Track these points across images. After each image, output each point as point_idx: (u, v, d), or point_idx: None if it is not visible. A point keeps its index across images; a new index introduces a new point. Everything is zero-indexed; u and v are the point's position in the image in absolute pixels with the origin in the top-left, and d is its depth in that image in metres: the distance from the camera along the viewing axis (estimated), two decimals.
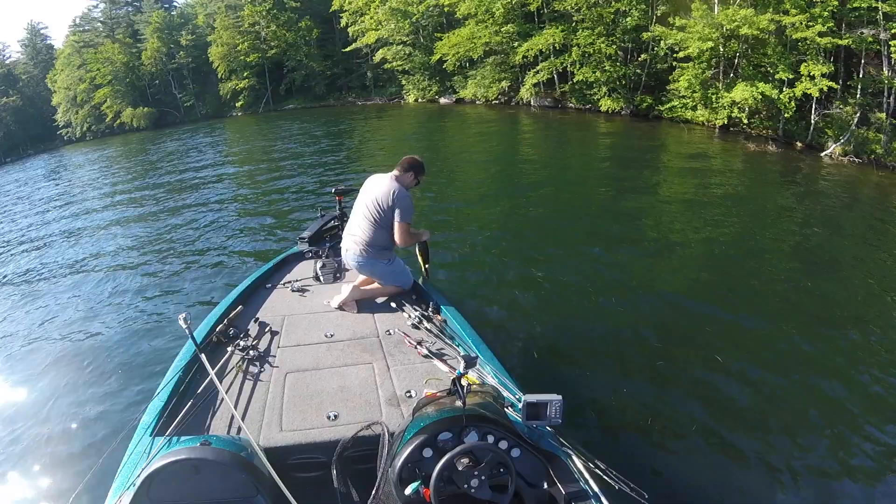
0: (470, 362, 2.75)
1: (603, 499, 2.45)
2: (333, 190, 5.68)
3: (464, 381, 2.72)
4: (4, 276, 10.14)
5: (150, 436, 3.11)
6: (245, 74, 43.65)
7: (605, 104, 21.89)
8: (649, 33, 19.02)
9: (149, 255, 9.88)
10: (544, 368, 5.22)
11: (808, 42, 14.08)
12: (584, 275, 7.21)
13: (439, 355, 3.72)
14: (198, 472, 2.56)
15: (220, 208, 12.97)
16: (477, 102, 29.42)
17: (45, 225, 14.76)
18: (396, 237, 4.38)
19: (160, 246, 10.35)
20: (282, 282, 5.12)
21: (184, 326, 3.33)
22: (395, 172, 4.41)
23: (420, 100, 34.07)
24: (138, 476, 2.57)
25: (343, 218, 5.34)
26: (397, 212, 4.28)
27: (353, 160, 18.20)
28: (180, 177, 18.62)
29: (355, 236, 4.52)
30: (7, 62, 58.58)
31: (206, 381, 3.52)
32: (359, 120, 30.10)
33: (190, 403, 3.31)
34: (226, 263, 8.82)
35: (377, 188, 4.37)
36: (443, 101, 32.29)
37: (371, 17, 34.28)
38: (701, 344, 5.50)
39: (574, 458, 2.68)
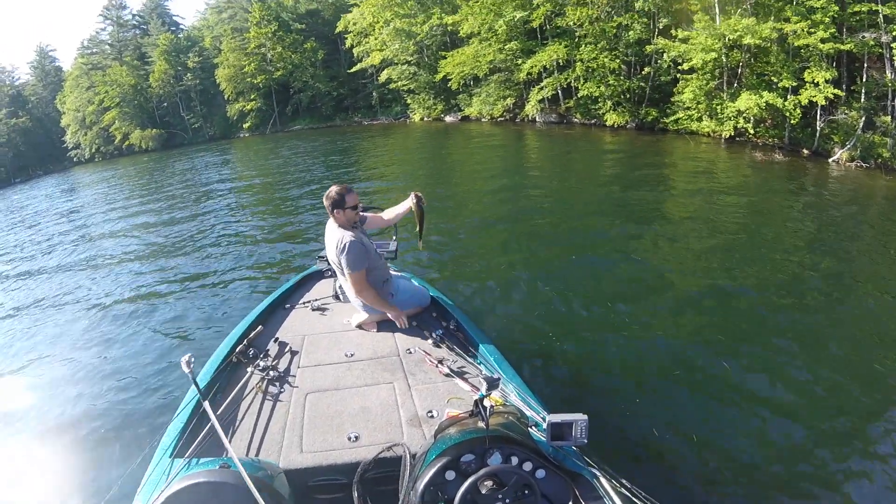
0: (492, 384, 2.72)
1: None
2: None
3: (487, 402, 2.69)
4: (22, 294, 10.30)
5: (170, 457, 3.09)
6: (252, 96, 44.60)
7: (611, 118, 22.03)
8: (652, 46, 19.18)
9: (166, 275, 9.97)
10: (567, 387, 5.21)
11: (811, 48, 14.17)
12: (601, 291, 7.17)
13: (461, 374, 3.68)
14: (217, 496, 2.55)
15: (234, 228, 13.12)
16: (482, 120, 29.69)
17: (57, 245, 14.99)
18: (352, 289, 4.29)
19: (177, 267, 10.45)
20: (301, 301, 5.10)
21: (186, 371, 3.21)
22: (332, 218, 4.26)
23: (426, 118, 34.47)
24: (157, 498, 2.55)
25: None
26: (344, 264, 4.15)
27: (363, 179, 18.37)
28: (191, 198, 18.86)
29: (344, 289, 4.51)
30: (16, 84, 59.93)
31: (226, 402, 3.53)
32: (366, 139, 30.46)
33: (209, 425, 3.24)
34: (244, 283, 8.87)
35: (328, 242, 4.29)
36: (448, 119, 32.63)
37: (375, 38, 34.95)
38: (725, 363, 5.40)
39: (600, 478, 2.63)
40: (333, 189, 4.11)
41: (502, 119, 28.55)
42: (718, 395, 4.97)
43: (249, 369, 3.92)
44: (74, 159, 53.10)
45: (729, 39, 16.08)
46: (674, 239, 8.97)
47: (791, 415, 4.65)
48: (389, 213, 4.59)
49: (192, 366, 3.22)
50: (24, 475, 4.94)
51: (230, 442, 3.12)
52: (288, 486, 2.76)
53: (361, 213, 4.39)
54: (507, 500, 2.44)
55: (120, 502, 3.15)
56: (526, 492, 2.48)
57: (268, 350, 4.16)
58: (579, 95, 23.53)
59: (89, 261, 12.15)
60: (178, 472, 2.82)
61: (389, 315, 4.32)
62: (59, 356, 7.16)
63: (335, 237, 4.15)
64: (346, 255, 4.04)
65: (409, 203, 4.38)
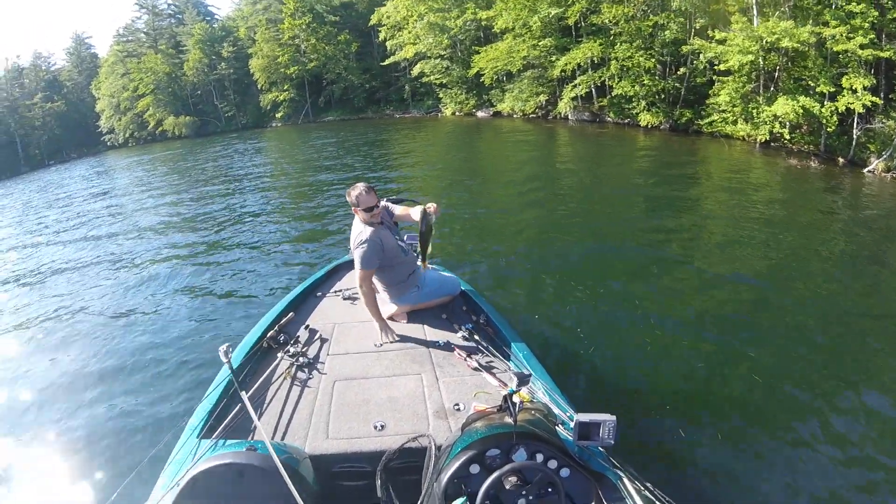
0: (523, 380, 2.72)
1: None
2: (384, 200, 5.75)
3: (515, 398, 2.71)
4: (57, 269, 10.74)
5: (197, 437, 3.20)
6: (285, 86, 45.25)
7: (644, 118, 22.04)
8: (688, 46, 19.19)
9: (198, 259, 10.28)
10: (595, 386, 5.24)
11: (849, 54, 14.09)
12: (631, 292, 7.22)
13: (489, 368, 3.70)
14: (242, 477, 2.62)
15: (266, 216, 13.45)
16: (514, 116, 29.84)
17: (90, 224, 15.62)
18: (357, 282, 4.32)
19: (210, 251, 10.79)
20: (332, 290, 5.20)
21: (224, 360, 3.36)
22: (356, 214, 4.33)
23: (457, 113, 34.69)
24: (183, 477, 2.64)
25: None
26: (355, 259, 4.24)
27: (393, 171, 18.74)
28: (224, 184, 19.38)
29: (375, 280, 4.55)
30: (52, 69, 61.44)
31: (256, 386, 3.63)
32: (397, 132, 30.81)
33: (238, 408, 3.37)
34: (275, 270, 9.10)
35: (351, 234, 4.36)
36: (480, 114, 32.83)
37: (409, 32, 35.32)
38: (756, 375, 5.35)
39: (624, 479, 2.64)
40: (352, 189, 4.19)
41: (534, 116, 28.65)
42: (750, 405, 4.95)
43: (279, 355, 4.02)
44: (108, 143, 54.46)
45: (766, 42, 16.00)
46: (706, 244, 9.05)
47: (827, 430, 4.63)
48: (413, 212, 4.42)
49: (230, 355, 3.39)
50: (53, 446, 5.20)
51: (258, 426, 3.26)
52: (312, 471, 2.86)
53: (391, 206, 4.51)
54: (531, 497, 2.47)
55: (145, 479, 3.20)
56: (549, 490, 2.51)
57: (298, 337, 4.28)
58: (613, 94, 23.58)
59: (122, 241, 12.70)
60: (205, 453, 2.91)
61: (376, 324, 4.31)
62: (91, 332, 7.50)
63: (355, 231, 4.27)
64: (357, 252, 4.14)
65: (416, 215, 4.19)
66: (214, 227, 12.74)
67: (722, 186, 12.94)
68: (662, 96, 21.88)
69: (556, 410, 3.05)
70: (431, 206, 4.10)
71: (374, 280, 4.45)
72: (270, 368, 3.85)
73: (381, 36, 38.01)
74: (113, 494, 3.33)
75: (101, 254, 11.74)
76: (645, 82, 21.82)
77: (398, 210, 4.50)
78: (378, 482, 2.82)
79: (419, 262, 4.59)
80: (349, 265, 5.53)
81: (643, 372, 5.49)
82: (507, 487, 2.45)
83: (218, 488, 2.61)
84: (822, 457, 4.32)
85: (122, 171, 31.24)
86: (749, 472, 4.17)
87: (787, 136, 16.07)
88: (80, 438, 5.22)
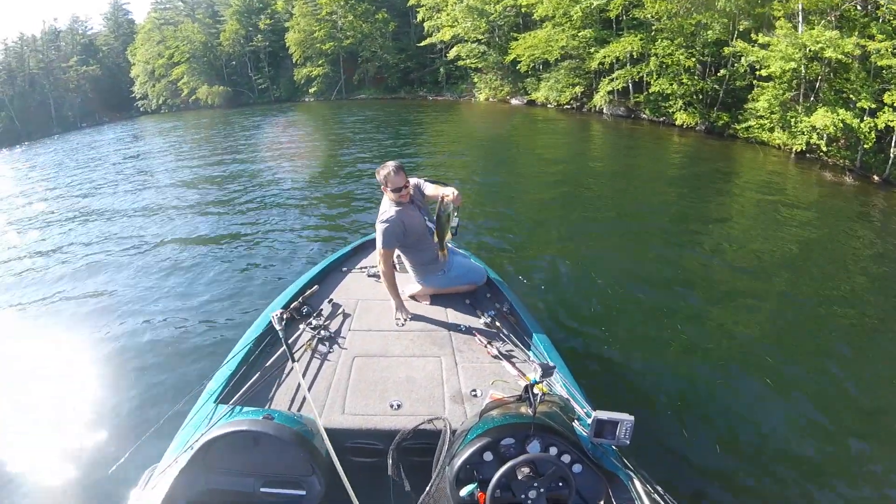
0: (547, 371, 2.78)
1: None
2: (420, 179, 5.49)
3: (536, 390, 2.73)
4: (87, 240, 10.98)
5: (214, 402, 3.25)
6: (320, 62, 45.73)
7: (680, 118, 21.91)
8: (730, 48, 18.94)
9: (226, 229, 10.61)
10: (613, 384, 5.26)
11: (893, 70, 14.01)
12: (656, 292, 7.27)
13: (509, 357, 3.70)
14: (257, 445, 2.70)
15: (294, 190, 13.72)
16: (548, 106, 29.80)
17: (119, 187, 16.14)
18: (379, 260, 4.33)
19: (237, 221, 11.09)
20: (357, 266, 5.22)
21: (278, 328, 3.58)
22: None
23: (491, 99, 34.75)
24: (197, 440, 2.72)
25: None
26: (377, 237, 4.27)
27: (423, 153, 18.95)
28: (254, 154, 19.79)
29: (402, 258, 4.63)
30: (89, 33, 62.52)
31: (275, 355, 3.70)
32: (429, 114, 31.02)
33: (257, 376, 3.48)
34: (302, 243, 9.28)
35: (379, 212, 4.37)
36: (514, 101, 32.88)
37: (448, 14, 35.34)
38: (775, 382, 5.37)
39: (635, 480, 2.63)
40: (382, 168, 4.19)
41: (568, 107, 28.59)
42: (769, 419, 4.93)
43: (301, 326, 4.06)
44: (141, 109, 55.53)
45: (810, 50, 15.83)
46: (732, 250, 9.06)
47: (843, 442, 4.65)
48: (437, 190, 4.41)
49: (283, 322, 3.62)
50: (69, 403, 5.32)
51: (274, 395, 3.41)
52: (328, 445, 2.86)
53: (424, 185, 4.52)
54: (542, 490, 2.48)
55: (160, 439, 3.26)
56: (560, 484, 2.52)
57: (321, 310, 4.31)
58: (650, 91, 23.45)
59: (150, 207, 13.06)
60: (221, 418, 2.99)
61: (394, 304, 4.32)
62: (116, 294, 7.80)
63: (382, 209, 4.30)
64: (378, 229, 4.18)
65: (441, 196, 4.12)
66: (243, 197, 13.05)
67: (754, 194, 12.91)
68: (700, 97, 21.73)
69: (573, 405, 3.03)
70: (450, 195, 4.07)
71: (403, 258, 4.57)
72: (292, 339, 3.88)
73: (419, 17, 38.08)
74: (127, 451, 3.37)
75: (130, 218, 12.12)
76: (683, 81, 21.67)
77: (430, 189, 4.48)
78: (390, 461, 2.84)
79: (439, 252, 4.54)
80: (375, 243, 5.46)
81: (663, 375, 5.52)
82: (520, 478, 2.48)
83: (232, 454, 2.71)
84: (840, 472, 4.33)
85: (154, 137, 32.01)
86: (763, 483, 4.17)
87: (824, 149, 15.97)
88: (101, 394, 5.40)
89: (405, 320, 4.22)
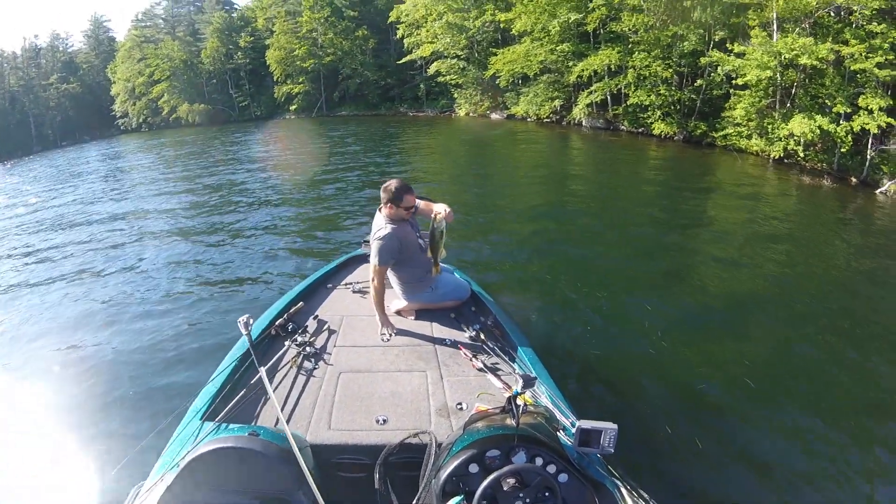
0: (528, 382, 2.79)
1: None
2: None
3: (519, 401, 2.73)
4: (64, 254, 10.84)
5: (200, 420, 3.22)
6: (300, 79, 45.71)
7: (658, 128, 22.05)
8: (706, 58, 19.16)
9: (209, 246, 10.42)
10: (597, 394, 5.28)
11: (867, 74, 14.12)
12: (637, 301, 7.29)
13: (494, 370, 3.71)
14: (243, 462, 2.66)
15: (279, 206, 13.61)
16: (528, 120, 29.92)
17: (100, 204, 15.85)
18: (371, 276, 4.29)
19: (219, 238, 10.93)
20: (343, 282, 5.23)
21: (244, 332, 3.47)
22: (380, 208, 4.33)
23: (471, 114, 34.86)
24: (183, 458, 2.68)
25: None
26: (372, 252, 4.24)
27: (405, 168, 18.99)
28: (235, 174, 19.63)
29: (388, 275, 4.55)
30: (70, 50, 62.48)
31: (261, 371, 3.59)
32: (410, 130, 31.12)
33: (242, 393, 3.46)
34: (286, 260, 9.23)
35: (373, 228, 4.36)
36: (494, 116, 32.96)
37: (427, 31, 35.54)
38: (758, 388, 5.38)
39: (621, 488, 2.64)
40: (393, 184, 4.14)
41: (548, 120, 28.74)
42: (752, 423, 4.96)
43: (287, 343, 4.05)
44: (122, 127, 55.32)
45: (785, 58, 16.03)
46: (713, 258, 9.08)
47: (832, 446, 4.65)
48: (430, 208, 4.41)
49: (250, 327, 3.46)
50: (51, 421, 5.24)
51: (260, 411, 3.39)
52: (313, 460, 2.87)
53: (417, 201, 4.42)
54: (528, 500, 2.48)
55: (146, 458, 3.28)
56: (547, 494, 2.51)
57: (307, 326, 4.30)
58: (628, 103, 23.63)
59: (132, 224, 12.93)
60: (206, 435, 2.97)
61: (378, 320, 4.31)
62: (100, 310, 7.66)
63: (377, 225, 4.25)
64: (374, 246, 4.13)
65: (434, 213, 4.20)
66: (225, 214, 12.92)
67: (733, 201, 12.99)
68: (678, 107, 21.90)
69: (558, 415, 3.04)
70: (442, 211, 4.13)
71: (389, 274, 4.49)
72: (277, 356, 3.89)
73: (399, 33, 38.36)
74: (112, 471, 3.46)
75: (111, 234, 11.93)
76: (661, 92, 21.88)
77: (421, 204, 4.43)
78: (377, 475, 2.85)
79: (431, 265, 4.58)
80: (361, 259, 5.71)
81: (647, 383, 5.51)
82: (505, 489, 2.47)
83: (218, 471, 2.66)
84: (828, 477, 4.33)
85: (135, 155, 31.77)
86: (749, 489, 4.19)
87: (801, 154, 16.09)
88: (84, 411, 5.29)
89: (390, 335, 4.21)
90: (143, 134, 50.26)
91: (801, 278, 8.26)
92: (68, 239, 11.98)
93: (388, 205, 4.18)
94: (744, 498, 4.11)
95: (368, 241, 5.37)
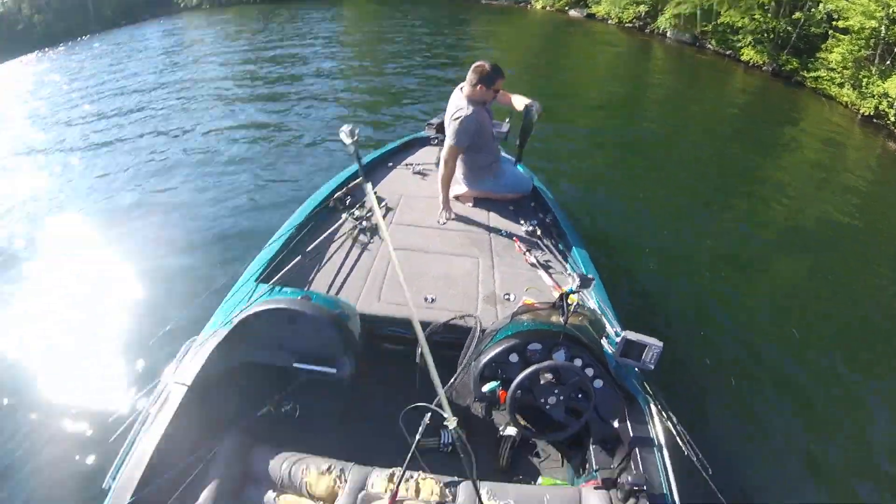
0: (585, 282, 2.74)
1: (667, 455, 2.45)
2: None
3: (570, 300, 2.74)
4: (134, 120, 11.66)
5: (255, 282, 3.35)
6: None
7: (747, 54, 21.36)
8: None
9: (273, 119, 11.04)
10: (645, 310, 5.45)
11: None
12: (696, 232, 7.35)
13: (546, 267, 3.75)
14: (294, 323, 2.76)
15: (343, 83, 14.24)
16: (609, 22, 28.87)
17: (167, 79, 16.46)
18: (442, 154, 4.35)
19: (284, 113, 11.52)
20: (404, 162, 5.32)
21: (348, 142, 2.84)
22: (465, 86, 4.24)
23: (548, 8, 33.53)
24: (237, 315, 2.83)
25: None
26: (449, 132, 4.21)
27: (477, 55, 18.10)
28: (299, 51, 19.89)
29: None
30: None
31: (317, 241, 3.81)
32: (482, 19, 30.36)
33: (298, 259, 3.58)
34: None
35: (449, 108, 4.33)
36: (572, 13, 31.77)
37: None
38: (811, 336, 5.49)
39: (652, 405, 2.66)
40: (488, 64, 4.11)
41: (630, 25, 27.74)
42: (800, 375, 5.04)
43: (344, 216, 4.19)
44: (182, 5, 54.31)
45: (893, 11, 15.57)
46: (780, 201, 8.94)
47: (880, 405, 4.79)
48: (517, 101, 4.44)
49: (356, 135, 2.96)
50: (117, 274, 5.78)
51: (314, 278, 3.53)
52: (360, 329, 3.00)
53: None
54: (562, 398, 2.55)
55: (200, 316, 3.43)
56: (580, 396, 2.59)
57: (364, 201, 4.41)
58: (719, 21, 22.69)
59: (200, 98, 13.53)
60: (261, 296, 3.11)
61: (441, 200, 4.41)
62: (172, 165, 8.46)
63: (456, 104, 4.24)
64: (453, 126, 4.13)
65: (521, 106, 4.30)
66: (292, 89, 13.50)
67: (813, 151, 12.63)
68: (771, 36, 21.02)
69: (604, 322, 3.00)
70: (537, 104, 4.21)
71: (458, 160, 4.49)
72: (334, 227, 4.03)
73: None
74: (168, 326, 3.57)
75: (178, 102, 12.76)
76: (756, 17, 20.98)
77: (509, 98, 4.50)
78: (418, 351, 2.80)
79: (500, 155, 4.71)
80: (423, 141, 5.85)
81: (694, 310, 5.69)
82: (542, 383, 2.53)
83: (269, 330, 2.82)
84: (871, 433, 4.51)
85: (197, 31, 32.28)
86: (780, 445, 4.31)
87: (892, 118, 15.81)
88: (143, 272, 5.80)
89: (448, 219, 4.32)
90: (204, 10, 49.45)
91: (866, 234, 8.17)
92: (139, 106, 12.78)
93: (478, 86, 4.14)
94: (772, 446, 4.25)
95: (432, 124, 5.82)
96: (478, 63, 4.14)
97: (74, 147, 10.76)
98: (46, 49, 31.81)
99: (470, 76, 4.16)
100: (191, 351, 2.82)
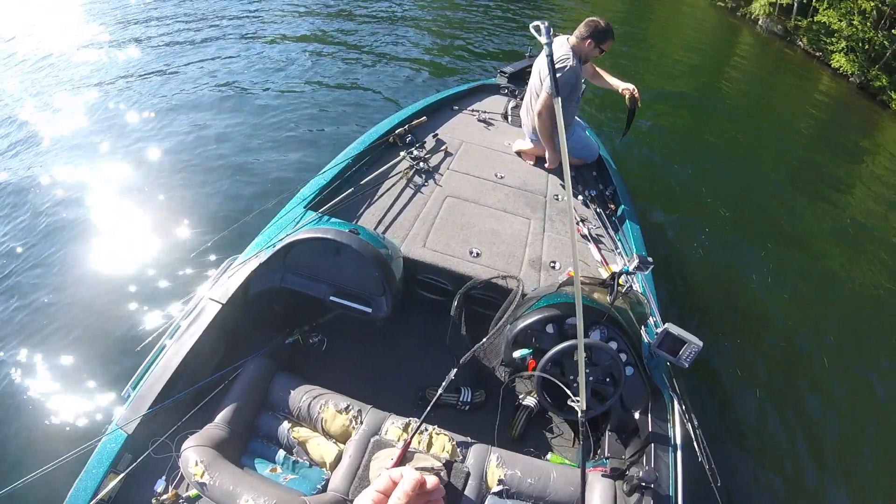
0: (644, 264, 2.61)
1: (680, 456, 2.38)
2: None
3: (623, 280, 2.67)
4: (200, 41, 10.47)
5: (304, 208, 3.25)
6: None
7: (837, 60, 20.82)
8: None
9: (347, 41, 10.72)
10: (689, 307, 5.27)
11: None
12: (759, 233, 7.14)
13: (597, 241, 3.63)
14: (338, 255, 2.70)
15: (421, 17, 13.64)
16: None
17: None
18: (536, 107, 4.14)
19: (360, 36, 11.21)
20: (470, 108, 5.13)
21: (542, 37, 2.01)
22: (572, 39, 4.05)
23: None
24: (282, 240, 2.75)
25: None
26: (546, 83, 4.01)
27: (554, 8, 18.39)
28: None
29: (529, 109, 4.38)
30: None
31: (371, 175, 3.71)
32: None
33: (350, 191, 3.48)
34: (419, 74, 9.35)
35: (545, 53, 3.70)
36: None
37: None
38: (864, 372, 5.31)
39: (675, 403, 2.56)
40: (603, 21, 3.97)
41: (722, 4, 27.00)
42: (834, 400, 4.87)
43: (402, 153, 4.06)
44: None
45: None
46: (846, 220, 8.62)
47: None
48: (607, 77, 4.34)
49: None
50: (173, 178, 5.72)
51: (363, 212, 3.43)
52: (402, 271, 2.93)
53: (598, 69, 4.41)
54: (590, 378, 2.43)
55: (247, 230, 3.45)
56: (608, 380, 2.49)
57: (425, 142, 4.30)
58: (815, 19, 22.20)
59: (267, 23, 12.29)
60: (308, 223, 3.02)
61: (547, 153, 4.28)
62: (236, 83, 8.10)
63: (561, 54, 3.97)
64: (556, 75, 3.46)
65: (622, 89, 4.12)
66: (367, 18, 12.88)
67: (885, 173, 11.94)
68: (865, 47, 20.51)
69: (647, 310, 2.89)
70: (637, 91, 4.06)
71: (528, 112, 4.39)
72: (390, 164, 3.91)
73: None
74: (214, 238, 3.66)
75: (242, 27, 11.61)
76: (854, 22, 20.50)
77: (607, 78, 4.37)
78: (454, 303, 2.85)
79: (620, 138, 4.70)
80: (493, 89, 5.64)
81: (741, 318, 5.44)
82: (574, 359, 2.43)
83: (312, 258, 2.77)
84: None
85: None
86: (791, 468, 4.21)
87: None
88: (197, 182, 5.74)
89: (504, 175, 4.20)
90: None
91: None
92: (205, 29, 11.37)
93: (588, 41, 4.00)
94: (783, 475, 4.13)
95: (506, 72, 5.63)
96: (592, 18, 4.01)
97: (146, 45, 10.07)
98: None
99: (581, 29, 4.02)
100: (230, 269, 2.82)
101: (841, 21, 20.97)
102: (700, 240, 6.45)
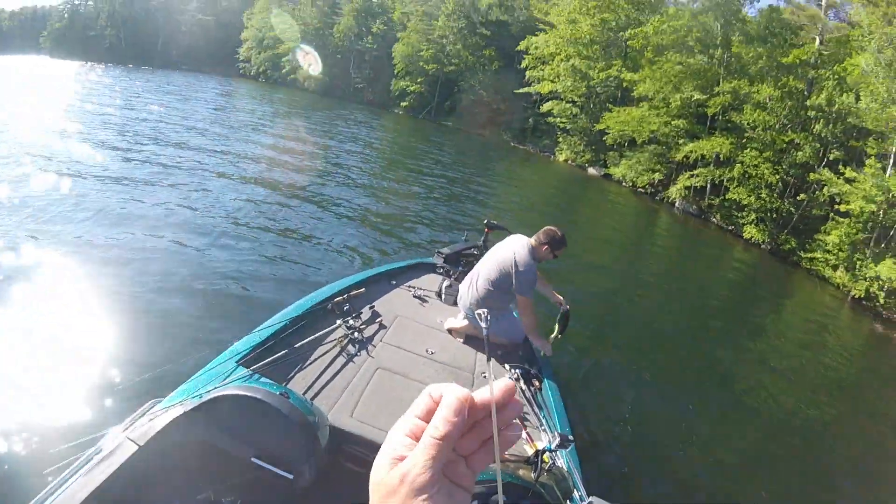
0: (564, 443, 2.80)
1: None
2: (486, 221, 5.94)
3: (547, 457, 2.75)
4: (164, 162, 11.50)
5: (235, 363, 3.33)
6: (419, 79, 47.52)
7: (749, 232, 21.67)
8: (816, 174, 18.88)
9: (287, 209, 10.88)
10: (614, 473, 5.24)
11: None
12: (678, 396, 7.19)
13: (522, 419, 3.66)
14: (265, 417, 2.70)
15: (367, 194, 14.04)
16: (623, 185, 29.83)
17: (206, 136, 16.67)
18: (518, 308, 4.53)
19: (300, 205, 11.37)
20: (406, 284, 5.36)
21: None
22: (532, 241, 4.49)
23: (570, 162, 35.05)
24: (209, 392, 2.76)
25: (483, 251, 5.45)
26: (515, 283, 4.36)
27: (494, 195, 19.19)
28: (337, 148, 20.51)
29: (472, 288, 4.65)
30: None
31: (306, 340, 3.79)
32: (509, 160, 31.75)
33: (284, 352, 3.57)
34: (359, 247, 9.39)
35: (507, 251, 4.49)
36: (591, 170, 33.02)
37: (552, 69, 35.97)
38: None
39: None
40: (561, 233, 4.47)
41: (642, 191, 28.63)
42: None
43: (339, 321, 4.14)
44: (241, 71, 59.07)
45: (893, 196, 15.74)
46: (766, 371, 8.87)
47: None
48: (546, 286, 4.85)
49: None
50: (98, 325, 5.43)
51: (293, 376, 3.50)
52: (328, 440, 2.92)
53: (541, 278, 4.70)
54: None
55: (172, 379, 3.34)
56: None
57: (361, 312, 4.41)
58: (727, 196, 23.34)
59: (228, 162, 13.39)
60: (238, 379, 3.07)
61: (536, 342, 4.55)
62: (168, 237, 7.93)
63: (525, 260, 4.40)
64: (521, 275, 4.33)
65: (557, 303, 4.72)
66: (315, 185, 13.34)
67: (802, 326, 12.73)
68: (773, 216, 21.47)
69: (571, 484, 2.97)
70: (566, 303, 4.64)
71: (472, 291, 4.64)
72: (326, 330, 3.99)
73: (524, 63, 38.90)
74: (140, 377, 3.71)
75: (207, 160, 12.58)
76: (762, 196, 21.59)
77: (546, 287, 4.85)
78: None
79: (549, 342, 4.74)
80: (429, 267, 5.90)
81: (664, 480, 5.43)
82: None
83: (238, 416, 2.73)
84: None
85: (249, 100, 33.76)
86: None
87: (882, 300, 15.51)
88: (123, 327, 5.46)
89: (435, 351, 4.32)
90: (260, 84, 53.30)
91: (850, 427, 7.88)
92: (172, 151, 12.61)
93: (545, 247, 4.44)
94: None
95: (442, 253, 5.92)
96: (551, 227, 4.50)
97: (96, 164, 10.90)
98: (108, 63, 33.10)
99: (540, 235, 4.47)
100: (153, 411, 2.79)
101: (750, 196, 22.03)
102: (622, 412, 6.42)
